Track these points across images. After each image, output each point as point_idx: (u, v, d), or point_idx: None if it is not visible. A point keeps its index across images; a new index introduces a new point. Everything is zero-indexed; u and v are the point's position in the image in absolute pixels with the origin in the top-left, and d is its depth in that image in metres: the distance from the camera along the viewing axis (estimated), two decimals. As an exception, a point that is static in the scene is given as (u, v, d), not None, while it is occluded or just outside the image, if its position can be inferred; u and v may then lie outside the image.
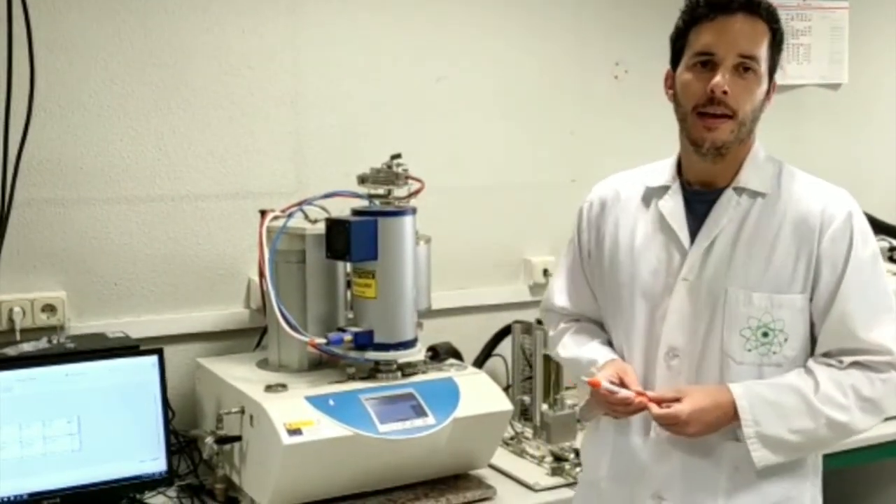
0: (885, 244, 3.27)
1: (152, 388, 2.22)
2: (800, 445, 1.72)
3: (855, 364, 1.70)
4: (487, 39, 2.94)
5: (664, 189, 1.79)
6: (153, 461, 2.20)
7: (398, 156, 2.33)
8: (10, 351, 2.23)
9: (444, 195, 2.78)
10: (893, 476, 3.10)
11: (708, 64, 1.66)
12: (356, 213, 2.25)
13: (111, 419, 2.17)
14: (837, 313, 1.69)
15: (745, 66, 1.65)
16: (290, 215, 2.32)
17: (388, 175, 2.33)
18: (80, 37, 2.41)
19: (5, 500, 2.06)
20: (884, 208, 3.48)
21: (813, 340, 1.74)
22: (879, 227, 3.34)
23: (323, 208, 2.35)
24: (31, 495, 2.08)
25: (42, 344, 2.27)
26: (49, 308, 2.40)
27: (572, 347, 1.89)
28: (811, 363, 1.73)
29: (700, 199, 1.76)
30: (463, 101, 2.91)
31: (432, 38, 2.86)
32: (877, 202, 3.51)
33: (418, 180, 2.34)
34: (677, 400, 1.67)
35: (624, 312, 1.80)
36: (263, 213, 2.32)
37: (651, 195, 1.81)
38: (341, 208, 2.33)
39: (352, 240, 2.16)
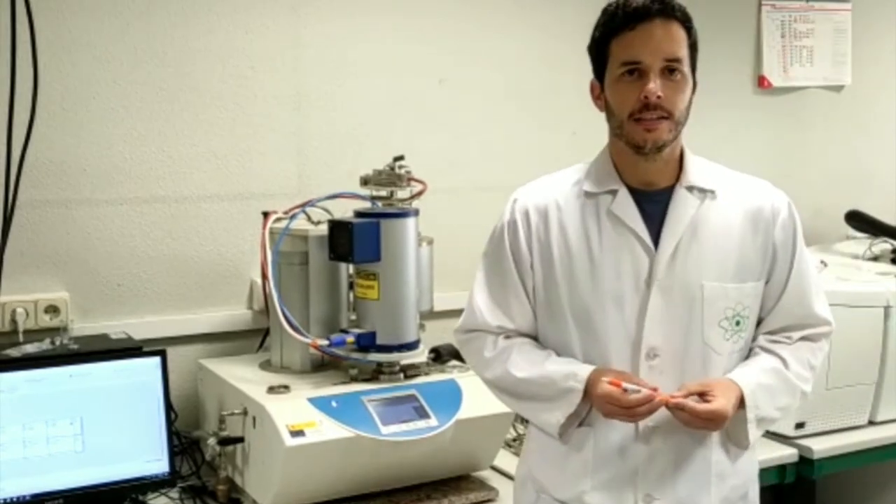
0: (888, 245, 3.26)
1: (155, 389, 2.22)
2: (777, 419, 1.86)
3: (802, 338, 1.84)
4: (489, 40, 2.94)
5: (611, 193, 1.79)
6: (156, 462, 2.20)
7: (401, 157, 2.34)
8: (14, 352, 2.23)
9: (446, 196, 2.78)
10: (888, 479, 3.10)
11: (635, 72, 1.69)
12: (359, 214, 2.25)
13: (114, 420, 2.17)
14: (793, 292, 1.82)
15: (671, 69, 1.69)
16: (292, 217, 2.32)
17: (391, 176, 2.33)
18: (84, 38, 2.41)
19: (8, 500, 2.06)
20: (886, 209, 3.48)
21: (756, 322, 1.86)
22: (881, 228, 3.33)
23: (325, 210, 2.35)
24: (34, 496, 2.08)
25: (45, 345, 2.28)
26: (52, 309, 2.40)
27: (528, 366, 1.81)
28: (766, 343, 1.83)
29: (647, 200, 1.78)
30: (465, 101, 2.92)
31: (435, 38, 2.86)
32: (879, 203, 3.52)
33: (421, 182, 2.35)
34: (702, 394, 1.70)
35: (592, 319, 1.77)
36: (266, 214, 2.32)
37: (596, 200, 1.80)
38: (344, 210, 2.33)
39: (354, 241, 2.16)
